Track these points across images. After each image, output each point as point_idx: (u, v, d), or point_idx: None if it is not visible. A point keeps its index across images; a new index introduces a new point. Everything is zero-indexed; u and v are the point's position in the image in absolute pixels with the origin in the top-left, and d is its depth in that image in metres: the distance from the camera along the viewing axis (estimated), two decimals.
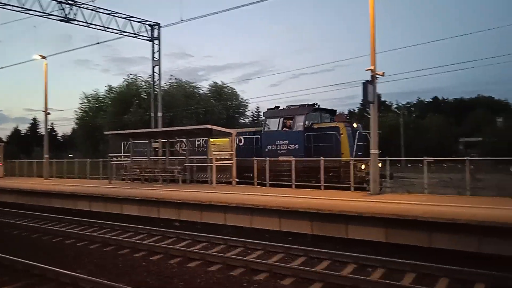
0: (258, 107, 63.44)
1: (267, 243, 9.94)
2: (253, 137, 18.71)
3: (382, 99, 63.39)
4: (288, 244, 9.81)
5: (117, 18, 24.61)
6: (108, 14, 24.17)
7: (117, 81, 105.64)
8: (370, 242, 9.64)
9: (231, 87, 50.37)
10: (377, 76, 13.49)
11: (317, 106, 18.33)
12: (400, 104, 69.07)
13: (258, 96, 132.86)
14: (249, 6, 19.95)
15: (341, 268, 8.22)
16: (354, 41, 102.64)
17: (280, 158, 16.81)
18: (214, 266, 8.47)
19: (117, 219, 14.07)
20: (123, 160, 21.76)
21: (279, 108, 18.75)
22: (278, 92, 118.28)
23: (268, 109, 19.15)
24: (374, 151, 13.19)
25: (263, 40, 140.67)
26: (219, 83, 50.80)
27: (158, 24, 26.16)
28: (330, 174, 15.45)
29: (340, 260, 8.61)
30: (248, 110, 54.29)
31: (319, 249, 9.19)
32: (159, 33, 26.29)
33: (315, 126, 17.35)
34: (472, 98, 64.70)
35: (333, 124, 17.44)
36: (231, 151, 17.32)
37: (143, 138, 21.33)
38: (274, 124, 17.97)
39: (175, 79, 47.81)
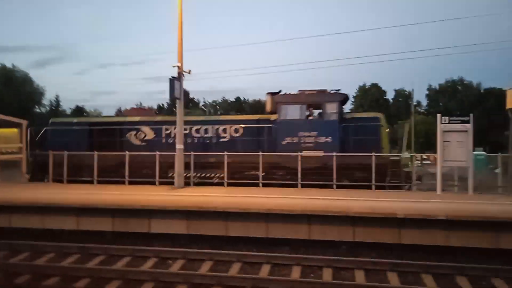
0: (57, 95, 57.71)
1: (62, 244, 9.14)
2: (257, 126, 15.46)
3: (191, 96, 65.62)
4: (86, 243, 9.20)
5: None
6: None
7: None
8: (174, 234, 9.85)
9: (24, 71, 44.30)
10: (184, 73, 13.85)
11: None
12: (207, 102, 72.82)
13: (60, 84, 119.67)
14: None
15: (142, 263, 8.20)
16: (166, 35, 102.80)
17: (305, 153, 14.10)
18: None
19: None
20: None
21: (297, 93, 15.45)
22: (83, 81, 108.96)
23: (279, 93, 15.71)
24: (179, 145, 13.52)
25: (66, 24, 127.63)
26: (9, 66, 44.14)
27: None
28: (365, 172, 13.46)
29: (141, 255, 8.57)
30: (45, 99, 48.64)
31: (119, 246, 8.94)
32: None
33: (348, 116, 15.47)
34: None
35: (372, 114, 15.99)
36: (21, 143, 15.22)
37: None
38: (293, 112, 14.96)
39: None
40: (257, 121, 15.63)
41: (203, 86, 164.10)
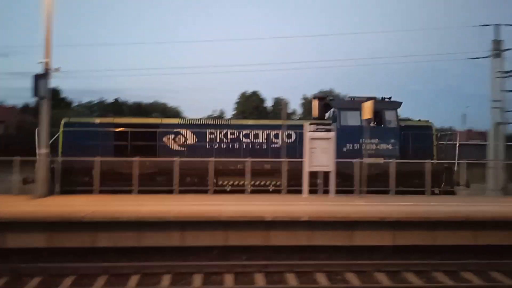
0: None
1: None
2: (288, 131, 14.88)
3: (64, 95, 60.50)
4: None
5: None
6: None
7: None
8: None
9: None
10: (52, 70, 12.74)
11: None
12: (81, 102, 67.85)
13: None
14: None
15: None
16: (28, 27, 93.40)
17: (367, 160, 13.58)
18: None
19: None
20: None
21: (353, 99, 15.52)
22: None
23: (326, 98, 15.57)
24: (42, 150, 12.38)
25: None
26: None
27: None
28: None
29: None
30: None
31: None
32: None
33: (403, 124, 15.61)
34: (149, 103, 70.49)
35: (424, 122, 16.18)
36: None
37: None
38: (352, 118, 14.88)
39: None
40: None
41: (81, 85, 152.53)
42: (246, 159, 13.87)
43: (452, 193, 15.04)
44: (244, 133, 15.16)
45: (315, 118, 15.95)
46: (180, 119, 17.42)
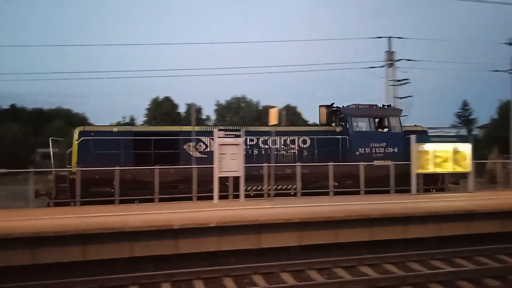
0: None
1: None
2: (331, 137, 16.37)
3: None
4: None
5: None
6: None
7: None
8: None
9: None
10: None
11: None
12: None
13: None
14: None
15: None
16: None
17: (376, 163, 15.81)
18: None
19: None
20: None
21: (363, 106, 17.05)
22: None
23: (332, 105, 17.47)
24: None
25: None
26: None
27: None
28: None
29: None
30: None
31: None
32: None
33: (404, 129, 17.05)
34: (52, 109, 65.67)
35: (419, 128, 17.64)
36: None
37: None
38: (362, 124, 16.65)
39: None
40: (325, 133, 16.57)
41: None
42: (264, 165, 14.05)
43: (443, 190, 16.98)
44: (262, 139, 15.89)
45: (322, 124, 17.69)
46: (200, 126, 17.29)
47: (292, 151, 16.11)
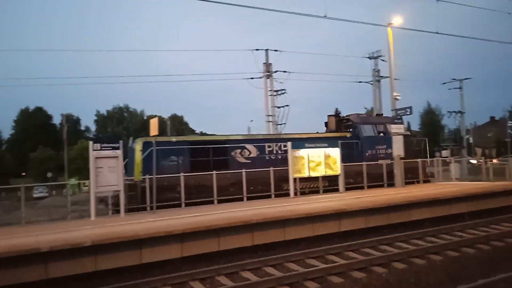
0: None
1: None
2: (349, 142, 19.15)
3: None
4: None
5: None
6: None
7: None
8: None
9: None
10: None
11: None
12: None
13: None
14: None
15: None
16: None
17: (381, 162, 19.23)
18: None
19: None
20: None
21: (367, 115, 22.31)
22: None
23: (339, 114, 21.59)
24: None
25: None
26: None
27: None
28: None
29: None
30: None
31: None
32: None
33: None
34: None
35: (411, 133, 22.54)
36: None
37: None
38: (369, 130, 20.01)
39: None
40: (341, 138, 18.35)
41: None
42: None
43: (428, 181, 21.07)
44: (282, 145, 17.88)
45: (332, 131, 20.53)
46: (243, 134, 19.61)
47: None
